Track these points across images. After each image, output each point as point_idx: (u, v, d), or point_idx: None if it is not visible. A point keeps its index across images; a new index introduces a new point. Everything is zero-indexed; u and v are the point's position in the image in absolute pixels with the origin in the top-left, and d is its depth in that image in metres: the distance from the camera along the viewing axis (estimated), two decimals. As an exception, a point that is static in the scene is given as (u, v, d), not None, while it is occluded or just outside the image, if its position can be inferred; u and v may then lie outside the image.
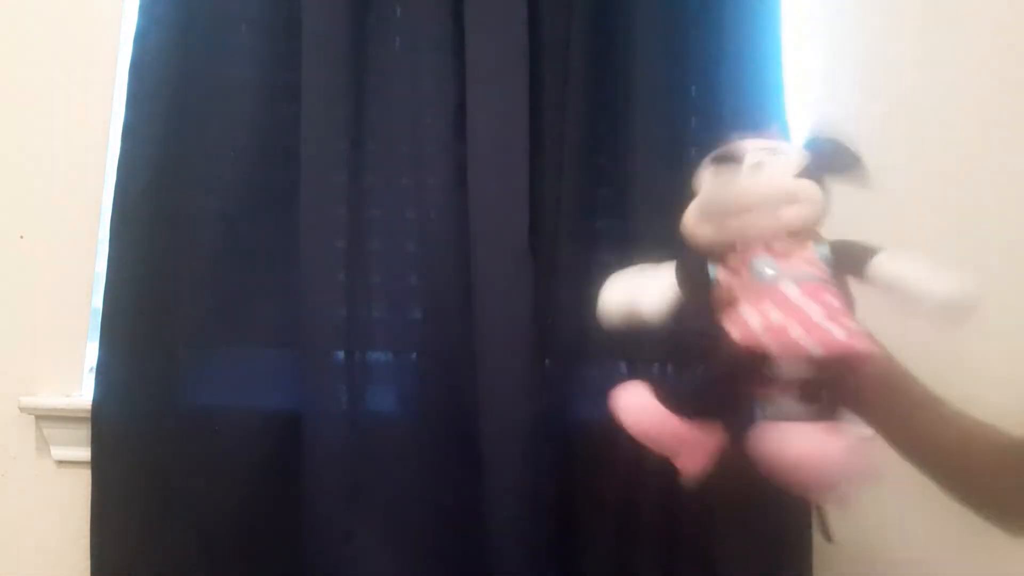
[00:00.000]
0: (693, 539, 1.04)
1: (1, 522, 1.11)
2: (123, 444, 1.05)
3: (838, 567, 1.09)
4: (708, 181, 0.62)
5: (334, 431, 1.06)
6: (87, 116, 1.15)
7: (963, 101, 1.16)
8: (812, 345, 0.56)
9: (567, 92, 1.09)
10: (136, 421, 1.05)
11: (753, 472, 0.61)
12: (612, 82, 1.11)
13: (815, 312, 0.57)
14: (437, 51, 1.10)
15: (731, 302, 0.63)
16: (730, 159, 0.60)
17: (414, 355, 1.11)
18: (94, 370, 1.06)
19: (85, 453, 1.05)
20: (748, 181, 0.60)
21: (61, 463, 1.11)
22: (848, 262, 0.61)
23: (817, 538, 1.06)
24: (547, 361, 1.08)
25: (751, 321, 0.59)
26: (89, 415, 1.05)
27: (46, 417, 1.11)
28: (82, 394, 1.10)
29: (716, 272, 0.65)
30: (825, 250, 0.62)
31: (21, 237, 1.13)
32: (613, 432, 0.66)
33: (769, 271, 0.60)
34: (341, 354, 1.09)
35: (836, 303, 0.59)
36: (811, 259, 0.61)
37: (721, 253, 0.65)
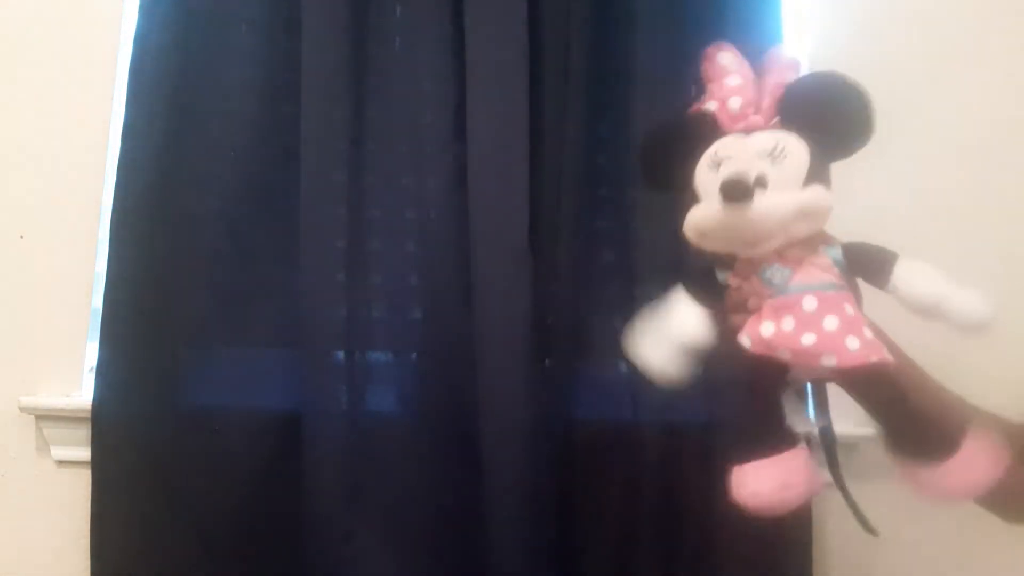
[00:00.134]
0: (693, 539, 1.04)
1: (1, 522, 1.11)
2: (123, 444, 1.05)
3: (837, 569, 1.09)
4: (713, 211, 0.58)
5: (334, 431, 1.06)
6: (87, 116, 1.15)
7: (971, 113, 1.16)
8: (826, 356, 0.55)
9: (567, 92, 1.09)
10: (136, 421, 1.05)
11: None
12: (612, 82, 1.11)
13: (830, 323, 0.56)
14: (437, 51, 1.10)
15: (743, 306, 0.62)
16: (736, 194, 0.56)
17: (414, 355, 1.11)
18: (94, 370, 1.06)
19: (85, 453, 1.05)
20: (756, 215, 0.56)
21: (61, 463, 1.11)
22: (864, 268, 0.60)
23: (817, 538, 1.06)
24: (547, 361, 1.08)
25: (763, 330, 0.58)
26: (89, 415, 1.05)
27: (46, 417, 1.11)
28: (82, 394, 1.10)
29: (726, 277, 0.64)
30: (837, 253, 0.60)
31: (21, 237, 1.13)
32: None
33: (780, 279, 0.59)
34: (341, 354, 1.09)
35: (851, 311, 0.57)
36: (824, 264, 0.59)
37: (729, 260, 0.63)
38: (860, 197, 1.06)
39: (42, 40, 1.16)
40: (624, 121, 1.10)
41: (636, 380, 0.98)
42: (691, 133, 0.64)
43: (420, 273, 1.11)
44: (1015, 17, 1.17)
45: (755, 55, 0.64)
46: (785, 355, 0.57)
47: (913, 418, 0.57)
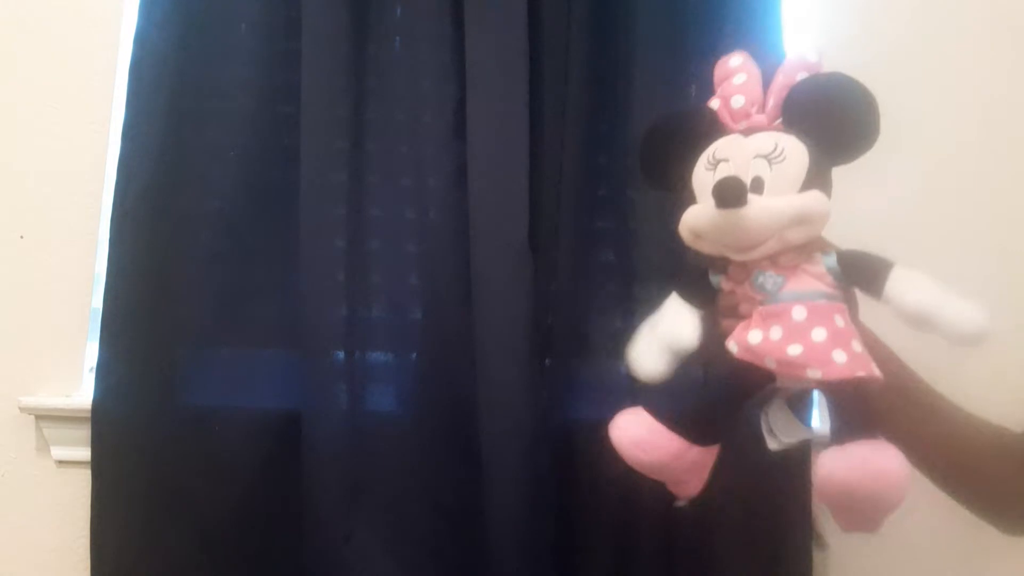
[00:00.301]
0: (692, 539, 1.04)
1: (1, 522, 1.11)
2: (123, 444, 1.05)
3: (837, 569, 1.09)
4: (707, 212, 0.57)
5: (334, 431, 1.06)
6: (87, 116, 1.15)
7: (969, 103, 1.16)
8: (811, 368, 0.54)
9: (567, 92, 1.09)
10: (136, 421, 1.05)
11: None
12: (612, 82, 1.11)
13: (818, 334, 0.55)
14: (437, 51, 1.10)
15: (734, 311, 0.61)
16: (730, 198, 0.54)
17: (414, 355, 1.11)
18: (94, 370, 1.06)
19: (85, 453, 1.05)
20: (749, 219, 0.55)
21: (61, 463, 1.11)
22: (859, 278, 0.58)
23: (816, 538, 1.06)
24: (547, 361, 1.08)
25: (751, 337, 0.57)
26: (89, 415, 1.05)
27: (46, 417, 1.11)
28: (82, 394, 1.10)
29: (719, 280, 0.63)
30: (832, 261, 0.59)
31: (21, 237, 1.13)
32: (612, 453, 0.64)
33: (772, 286, 0.58)
34: (341, 354, 1.09)
35: (841, 323, 0.56)
36: (818, 272, 0.58)
37: (723, 264, 0.62)
38: (861, 202, 1.07)
39: (42, 40, 1.16)
40: (624, 121, 1.10)
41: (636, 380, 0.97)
42: (691, 130, 0.63)
43: (420, 273, 1.11)
44: (1017, 21, 1.17)
45: (768, 56, 0.63)
46: (771, 364, 0.56)
47: (864, 431, 0.55)
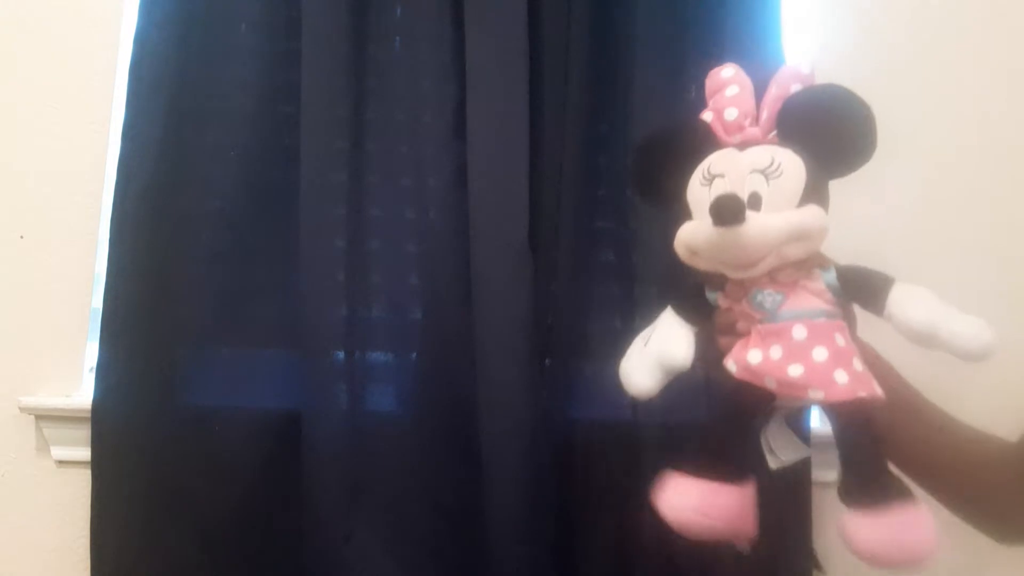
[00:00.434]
0: (692, 541, 1.04)
1: (1, 522, 1.11)
2: (123, 444, 1.05)
3: (837, 569, 1.09)
4: (703, 229, 0.56)
5: (334, 431, 1.06)
6: (87, 116, 1.15)
7: (965, 101, 1.16)
8: (813, 389, 0.54)
9: (567, 92, 1.09)
10: (136, 421, 1.05)
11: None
12: (612, 82, 1.11)
13: (819, 354, 0.54)
14: (437, 51, 1.10)
15: (731, 329, 0.60)
16: (728, 216, 0.53)
17: (414, 355, 1.11)
18: (94, 370, 1.06)
19: (85, 453, 1.05)
20: (748, 237, 0.54)
21: (61, 463, 1.11)
22: (859, 294, 0.57)
23: (817, 538, 1.06)
24: (547, 361, 1.08)
25: (751, 357, 0.56)
26: (89, 415, 1.05)
27: (46, 417, 1.11)
28: (82, 394, 1.10)
29: (716, 297, 0.62)
30: (832, 277, 0.58)
31: (21, 237, 1.13)
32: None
33: (771, 304, 0.57)
34: (341, 354, 1.09)
35: (842, 342, 0.55)
36: (817, 289, 0.57)
37: (719, 280, 0.61)
38: (860, 211, 1.06)
39: (42, 40, 1.16)
40: (624, 121, 1.10)
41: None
42: (684, 143, 0.62)
43: (420, 273, 1.11)
44: (1017, 27, 1.17)
45: (768, 57, 0.62)
46: (771, 384, 0.55)
47: (875, 461, 0.54)
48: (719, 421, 0.60)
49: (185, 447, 1.06)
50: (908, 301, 0.55)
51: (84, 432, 1.05)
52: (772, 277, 0.57)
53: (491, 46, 1.07)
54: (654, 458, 1.04)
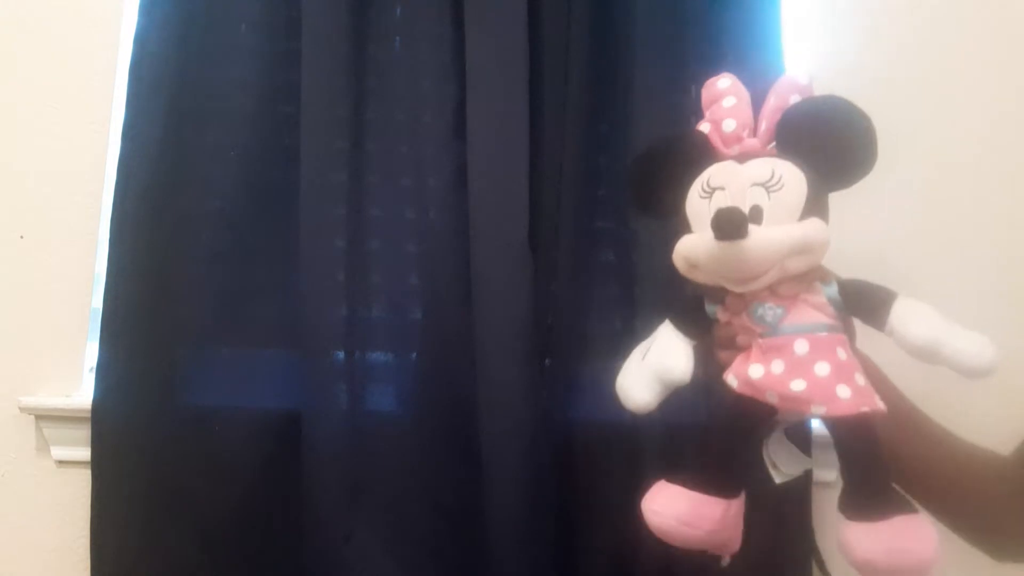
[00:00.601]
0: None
1: (1, 522, 1.11)
2: (123, 444, 1.05)
3: (837, 569, 1.08)
4: (704, 243, 0.55)
5: (334, 431, 1.06)
6: (87, 116, 1.15)
7: (966, 106, 1.15)
8: (815, 405, 0.53)
9: (567, 92, 1.09)
10: (136, 421, 1.05)
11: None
12: (612, 82, 1.11)
13: (821, 369, 0.54)
14: (437, 51, 1.10)
15: (732, 343, 0.60)
16: (730, 229, 0.52)
17: (414, 355, 1.11)
18: (94, 370, 1.06)
19: (85, 453, 1.05)
20: (749, 251, 0.53)
21: (61, 463, 1.11)
22: (861, 309, 0.57)
23: (817, 538, 1.06)
24: (547, 361, 1.08)
25: (752, 371, 0.56)
26: (89, 415, 1.05)
27: (46, 417, 1.10)
28: (82, 394, 1.10)
29: (715, 311, 0.62)
30: (833, 291, 0.57)
31: (21, 237, 1.13)
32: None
33: (772, 318, 0.57)
34: (341, 354, 1.09)
35: (844, 356, 0.55)
36: (818, 303, 0.57)
37: (719, 293, 0.60)
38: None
39: (42, 40, 1.16)
40: (624, 121, 1.10)
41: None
42: (682, 155, 0.61)
43: (420, 273, 1.11)
44: (1020, 34, 1.17)
45: (763, 65, 0.61)
46: (772, 399, 0.55)
47: (876, 473, 0.54)
48: (718, 434, 0.59)
49: (185, 447, 1.06)
50: (910, 316, 0.54)
51: (84, 432, 1.05)
52: (773, 291, 0.57)
53: (491, 46, 1.07)
54: (654, 458, 1.04)
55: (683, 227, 0.59)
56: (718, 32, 1.08)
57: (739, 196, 0.56)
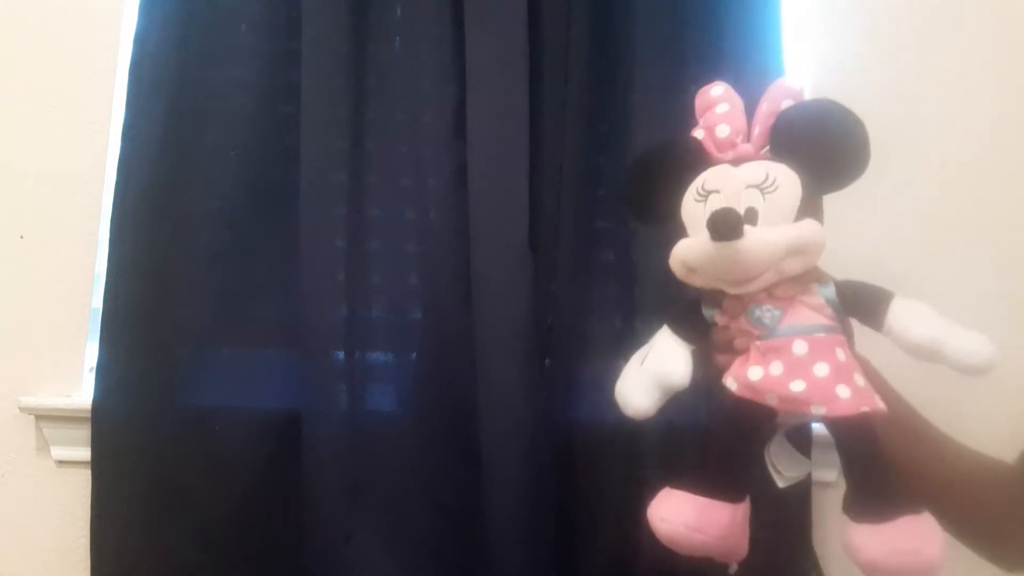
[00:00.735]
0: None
1: (1, 522, 1.11)
2: (123, 444, 1.05)
3: (837, 569, 1.08)
4: (700, 246, 0.56)
5: (334, 431, 1.06)
6: (87, 116, 1.15)
7: (968, 103, 1.15)
8: (815, 405, 0.53)
9: (567, 92, 1.09)
10: (136, 421, 1.05)
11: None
12: (612, 82, 1.11)
13: (820, 369, 0.54)
14: (437, 51, 1.10)
15: (730, 346, 0.60)
16: (725, 230, 0.53)
17: (414, 355, 1.11)
18: (94, 370, 1.06)
19: (85, 453, 1.05)
20: (745, 252, 0.53)
21: (61, 463, 1.11)
22: (858, 309, 0.57)
23: (817, 538, 1.06)
24: (547, 361, 1.08)
25: (751, 374, 0.56)
26: (89, 415, 1.05)
27: (46, 417, 1.11)
28: (82, 394, 1.10)
29: (713, 314, 0.62)
30: (831, 291, 0.58)
31: (21, 237, 1.13)
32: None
33: (770, 320, 0.57)
34: (341, 354, 1.09)
35: (843, 356, 0.55)
36: (816, 304, 0.57)
37: (716, 297, 0.61)
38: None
39: (42, 40, 1.16)
40: (624, 121, 1.10)
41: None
42: (677, 161, 0.61)
43: (420, 273, 1.11)
44: (1018, 39, 1.16)
45: (762, 66, 0.61)
46: (772, 401, 0.55)
47: (879, 473, 0.54)
48: (719, 438, 0.59)
49: (185, 447, 1.06)
50: (908, 316, 0.55)
51: (84, 432, 1.05)
52: (770, 293, 0.57)
53: (491, 46, 1.07)
54: (654, 458, 1.04)
55: (679, 232, 0.60)
56: (718, 32, 1.08)
57: (734, 198, 0.57)
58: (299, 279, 1.06)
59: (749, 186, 0.56)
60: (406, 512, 1.07)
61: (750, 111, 0.62)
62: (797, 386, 0.54)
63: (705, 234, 0.54)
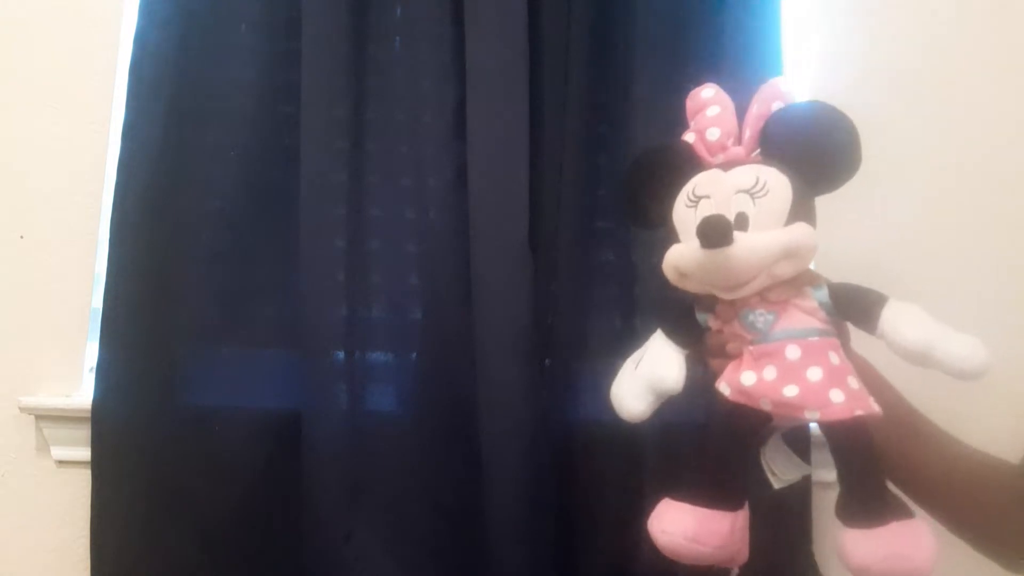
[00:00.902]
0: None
1: (1, 522, 1.11)
2: (123, 444, 1.05)
3: (837, 568, 1.08)
4: (691, 252, 0.55)
5: (334, 431, 1.06)
6: (87, 116, 1.15)
7: (967, 105, 1.15)
8: (809, 410, 0.53)
9: (567, 92, 1.09)
10: (136, 421, 1.05)
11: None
12: (612, 82, 1.11)
13: (813, 374, 0.54)
14: (437, 51, 1.10)
15: (723, 351, 0.60)
16: (715, 237, 0.52)
17: (414, 355, 1.11)
18: (94, 370, 1.06)
19: (85, 453, 1.05)
20: (736, 258, 0.53)
21: (61, 463, 1.11)
22: (851, 312, 0.57)
23: (817, 538, 1.06)
24: (547, 361, 1.08)
25: (744, 379, 0.56)
26: (89, 415, 1.05)
27: (46, 417, 1.10)
28: (82, 394, 1.10)
29: (706, 319, 0.62)
30: (824, 294, 0.57)
31: (21, 237, 1.13)
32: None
33: (763, 324, 0.57)
34: (341, 354, 1.09)
35: (836, 360, 0.55)
36: (809, 307, 0.57)
37: (710, 301, 0.61)
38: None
39: (42, 40, 1.16)
40: (624, 121, 1.10)
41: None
42: (668, 165, 0.62)
43: (420, 273, 1.11)
44: (1018, 39, 1.16)
45: (760, 72, 0.62)
46: (766, 406, 0.55)
47: (872, 477, 0.54)
48: (715, 443, 0.59)
49: (185, 447, 1.05)
50: (901, 320, 0.54)
51: (84, 432, 1.05)
52: (763, 297, 0.57)
53: (491, 46, 1.07)
54: (653, 459, 1.04)
55: (672, 237, 0.60)
56: (718, 32, 1.08)
57: (724, 204, 0.57)
58: (299, 279, 1.06)
59: (739, 191, 0.56)
60: (406, 512, 1.07)
61: (744, 113, 0.62)
62: (790, 391, 0.54)
63: (696, 241, 0.54)
